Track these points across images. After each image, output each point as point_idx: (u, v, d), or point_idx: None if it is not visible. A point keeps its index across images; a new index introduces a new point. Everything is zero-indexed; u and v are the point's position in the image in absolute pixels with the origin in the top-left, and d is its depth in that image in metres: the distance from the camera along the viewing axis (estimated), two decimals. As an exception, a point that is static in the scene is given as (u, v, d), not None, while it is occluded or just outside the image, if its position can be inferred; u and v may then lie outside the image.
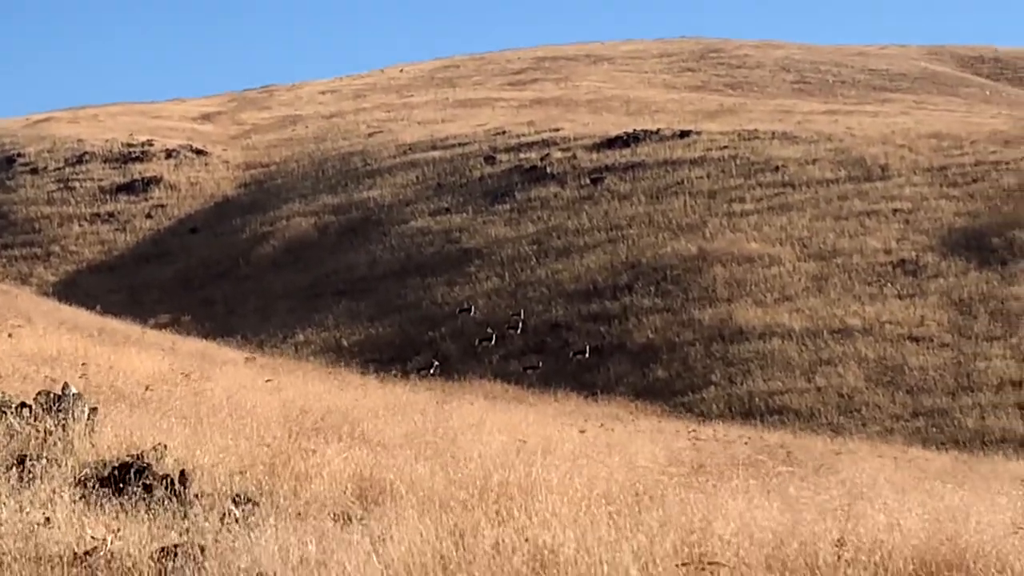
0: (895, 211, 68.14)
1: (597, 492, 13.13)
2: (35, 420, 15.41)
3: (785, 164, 75.28)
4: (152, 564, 10.81)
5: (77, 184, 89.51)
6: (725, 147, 79.32)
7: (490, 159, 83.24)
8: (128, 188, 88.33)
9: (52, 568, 10.81)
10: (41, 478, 13.63)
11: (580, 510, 12.08)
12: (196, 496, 13.69)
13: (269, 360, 44.41)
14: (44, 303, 53.25)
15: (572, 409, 40.34)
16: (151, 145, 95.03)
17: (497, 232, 72.17)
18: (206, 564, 10.52)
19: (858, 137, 79.47)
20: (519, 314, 62.27)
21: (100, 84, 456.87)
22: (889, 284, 60.88)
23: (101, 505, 12.96)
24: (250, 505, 13.11)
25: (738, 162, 76.54)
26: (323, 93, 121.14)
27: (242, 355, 43.39)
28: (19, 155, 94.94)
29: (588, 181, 76.83)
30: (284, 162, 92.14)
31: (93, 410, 16.05)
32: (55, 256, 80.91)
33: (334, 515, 12.68)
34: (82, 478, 13.88)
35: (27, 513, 12.23)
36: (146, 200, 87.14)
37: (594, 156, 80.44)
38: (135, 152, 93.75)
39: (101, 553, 10.95)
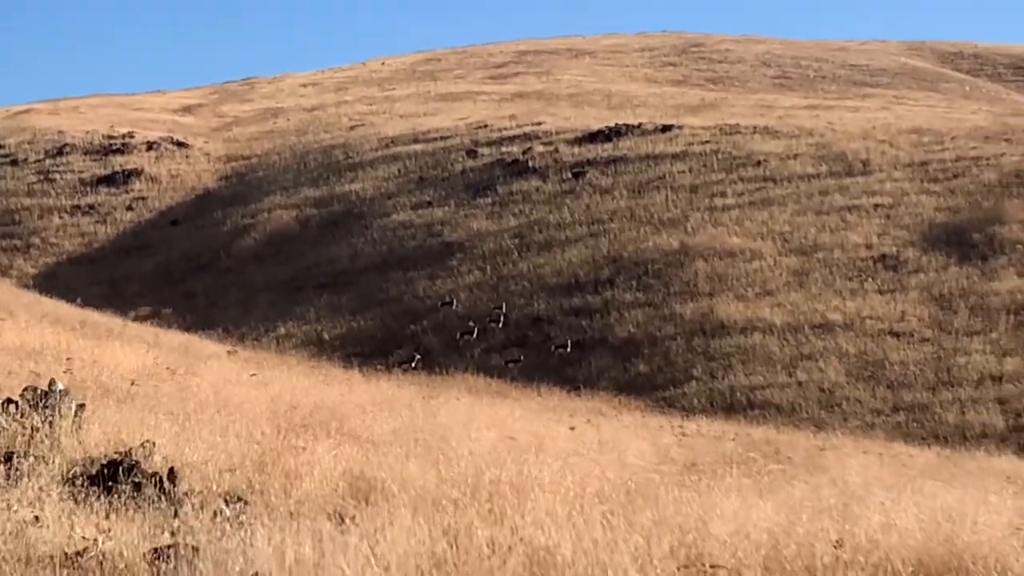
0: (876, 206, 68.19)
1: (590, 491, 13.06)
2: (22, 417, 15.27)
3: (766, 159, 75.32)
4: (146, 566, 10.70)
5: (57, 176, 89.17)
6: (707, 141, 79.34)
7: (472, 153, 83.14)
8: (109, 180, 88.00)
9: (43, 569, 10.69)
10: (29, 476, 13.49)
11: (574, 509, 12.00)
12: (186, 494, 13.58)
13: (251, 353, 44.27)
14: (24, 295, 53.00)
15: (556, 404, 40.28)
16: (132, 137, 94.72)
17: (479, 226, 72.08)
18: (200, 565, 10.42)
19: (839, 132, 79.56)
20: (501, 308, 62.19)
21: (81, 76, 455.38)
22: (870, 279, 60.92)
23: (90, 504, 12.85)
24: (241, 504, 13.01)
25: (719, 156, 76.56)
26: (304, 86, 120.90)
27: (224, 348, 43.25)
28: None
29: (570, 175, 76.78)
30: (265, 155, 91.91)
31: (80, 406, 15.92)
32: (35, 248, 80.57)
33: (327, 514, 12.58)
34: (70, 476, 13.77)
35: (15, 511, 12.10)
36: (127, 192, 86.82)
37: (576, 150, 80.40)
38: (116, 144, 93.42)
39: (92, 554, 10.84)
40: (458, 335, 60.57)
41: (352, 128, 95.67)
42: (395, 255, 70.66)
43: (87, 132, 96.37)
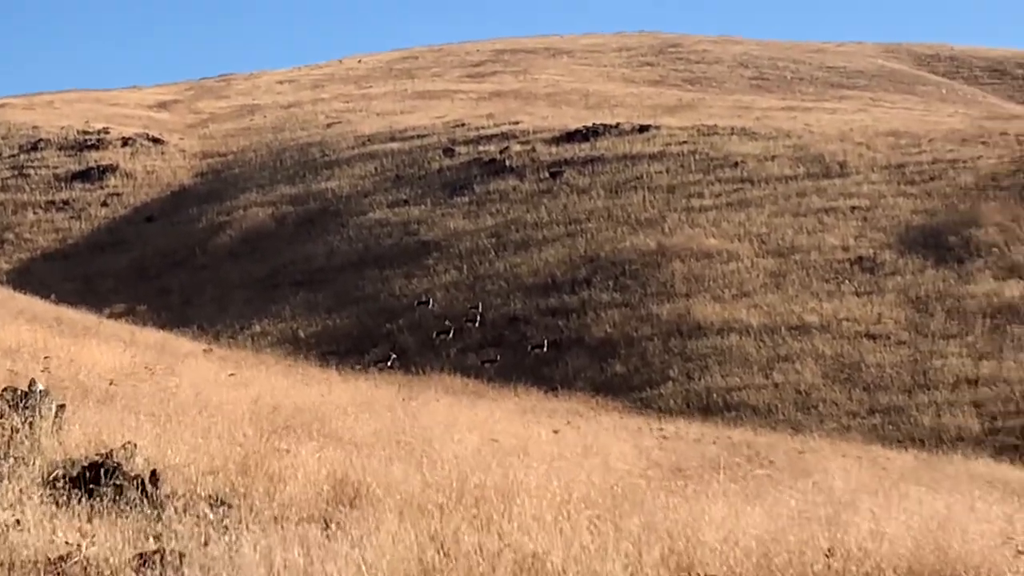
0: (853, 208, 68.31)
1: (576, 496, 12.99)
2: (1, 417, 15.10)
3: (744, 160, 75.38)
4: (131, 572, 10.56)
5: (32, 171, 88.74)
6: (684, 142, 79.37)
7: (449, 151, 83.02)
8: (84, 176, 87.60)
9: (27, 575, 10.54)
10: (9, 478, 13.31)
11: (561, 515, 11.92)
12: (168, 497, 13.42)
13: (227, 351, 44.09)
14: (-2, 292, 52.68)
15: (534, 404, 40.20)
16: (107, 133, 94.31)
17: (456, 225, 71.96)
18: (186, 572, 10.29)
19: (816, 134, 79.67)
20: (477, 307, 62.10)
21: (56, 71, 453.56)
22: (847, 281, 61.01)
23: (72, 507, 12.69)
24: (225, 507, 12.88)
25: (697, 157, 76.60)
26: (281, 83, 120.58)
27: (200, 346, 43.06)
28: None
29: (547, 175, 76.72)
30: (242, 152, 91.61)
31: (61, 407, 15.75)
32: (9, 244, 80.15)
33: (312, 518, 12.48)
34: (51, 478, 13.60)
35: (-4, 514, 11.96)
36: (102, 188, 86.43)
37: (553, 150, 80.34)
38: (91, 140, 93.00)
39: (76, 559, 10.70)
40: (434, 334, 60.46)
41: (329, 126, 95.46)
42: (371, 253, 70.50)
43: (62, 127, 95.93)
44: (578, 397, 48.73)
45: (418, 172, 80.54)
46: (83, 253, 78.51)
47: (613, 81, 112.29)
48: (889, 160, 74.17)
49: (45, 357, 23.48)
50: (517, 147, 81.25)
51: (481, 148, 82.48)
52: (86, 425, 15.77)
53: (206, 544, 11.14)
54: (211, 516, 12.23)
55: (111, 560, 10.68)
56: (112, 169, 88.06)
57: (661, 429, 33.04)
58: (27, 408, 15.29)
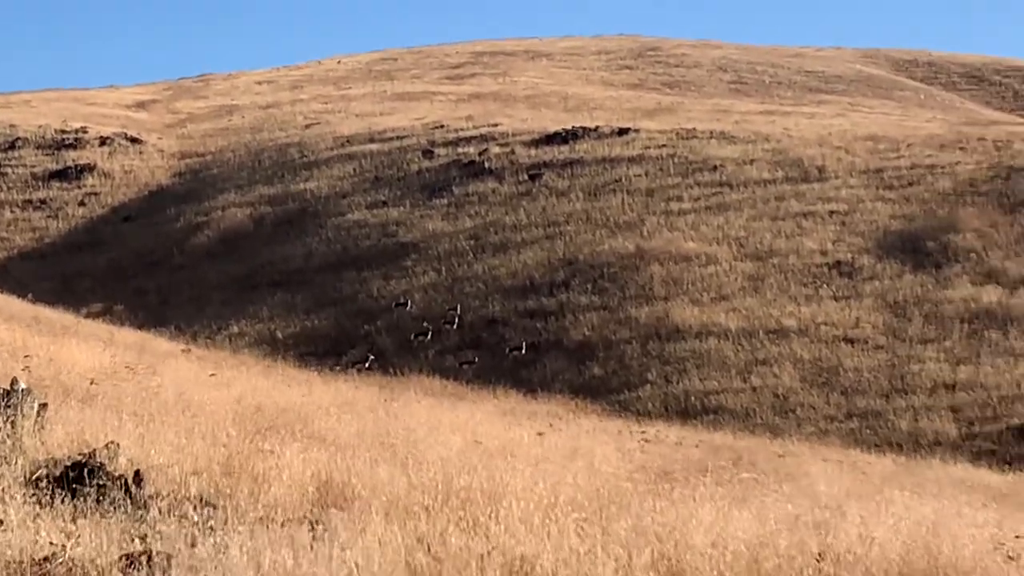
0: (831, 212, 68.41)
1: (563, 498, 12.93)
2: (-17, 416, 14.98)
3: (723, 164, 75.43)
4: (118, 573, 10.47)
5: (9, 170, 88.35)
6: (663, 146, 79.39)
7: (428, 153, 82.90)
8: (61, 175, 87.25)
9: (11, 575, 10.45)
10: (-9, 478, 13.23)
11: (548, 518, 11.87)
12: (151, 497, 13.34)
13: (205, 352, 43.95)
14: (-25, 291, 52.42)
15: (513, 406, 40.15)
16: (85, 132, 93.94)
17: (434, 226, 71.84)
18: (174, 573, 10.21)
19: (795, 138, 79.78)
20: (455, 309, 62.00)
21: (33, 70, 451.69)
22: (825, 285, 61.08)
23: (55, 507, 12.59)
24: (210, 508, 12.79)
25: (676, 161, 76.62)
26: (260, 83, 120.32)
27: (178, 346, 42.91)
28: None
29: (526, 177, 76.66)
30: (220, 152, 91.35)
31: (43, 406, 15.64)
32: (-15, 242, 79.78)
33: (298, 520, 12.39)
34: (34, 478, 13.49)
35: (-22, 514, 11.84)
36: (79, 188, 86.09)
37: (532, 152, 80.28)
38: (68, 139, 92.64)
39: (61, 560, 10.60)
40: (412, 336, 60.36)
41: (307, 126, 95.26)
42: (349, 255, 70.34)
43: (39, 126, 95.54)
44: (557, 400, 48.68)
45: (397, 173, 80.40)
46: (60, 252, 78.19)
47: (592, 84, 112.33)
48: (867, 165, 74.31)
49: (25, 356, 23.35)
50: (496, 149, 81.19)
51: (460, 150, 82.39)
52: (68, 424, 15.67)
53: (193, 545, 11.06)
54: (196, 517, 12.13)
55: (97, 561, 10.58)
56: (90, 168, 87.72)
57: (642, 432, 33.02)
58: (9, 407, 15.18)
